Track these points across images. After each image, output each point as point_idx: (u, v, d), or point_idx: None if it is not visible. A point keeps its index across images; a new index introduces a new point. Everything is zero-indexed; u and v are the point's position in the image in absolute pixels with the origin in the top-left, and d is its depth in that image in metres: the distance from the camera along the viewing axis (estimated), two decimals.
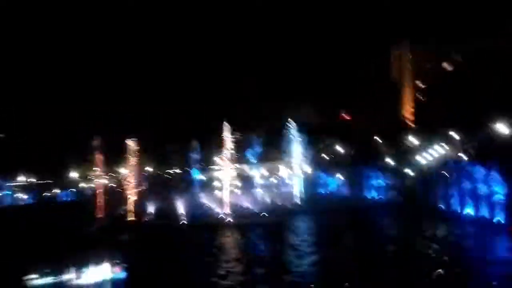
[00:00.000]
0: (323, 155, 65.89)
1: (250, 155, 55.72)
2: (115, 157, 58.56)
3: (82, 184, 69.43)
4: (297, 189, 41.63)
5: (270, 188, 53.73)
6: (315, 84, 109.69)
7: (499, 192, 22.52)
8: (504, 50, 67.78)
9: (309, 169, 54.89)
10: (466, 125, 51.90)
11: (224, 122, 38.09)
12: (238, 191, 51.53)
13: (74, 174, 75.12)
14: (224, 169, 58.44)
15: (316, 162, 59.41)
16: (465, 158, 44.29)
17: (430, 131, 60.36)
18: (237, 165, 66.09)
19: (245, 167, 64.83)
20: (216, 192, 52.75)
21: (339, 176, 46.47)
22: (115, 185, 64.33)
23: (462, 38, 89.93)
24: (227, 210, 35.08)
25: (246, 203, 39.29)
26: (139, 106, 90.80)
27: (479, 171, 24.64)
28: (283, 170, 61.71)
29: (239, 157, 63.73)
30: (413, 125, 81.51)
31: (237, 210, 35.46)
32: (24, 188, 73.09)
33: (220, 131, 42.27)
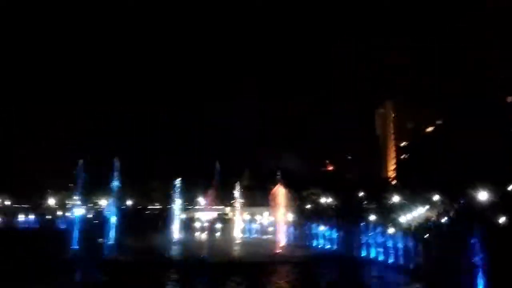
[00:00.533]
0: (308, 205, 66.24)
1: (233, 198, 55.61)
2: (96, 186, 57.71)
3: (59, 212, 67.53)
4: (279, 237, 41.38)
5: (250, 234, 53.20)
6: (302, 135, 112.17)
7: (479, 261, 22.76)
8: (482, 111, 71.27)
9: (292, 218, 54.86)
10: (447, 187, 53.27)
11: (216, 164, 38.35)
12: (218, 234, 50.96)
13: (51, 201, 73.29)
14: (205, 210, 58.31)
15: (300, 211, 59.57)
16: (444, 220, 45.11)
17: (412, 190, 61.67)
18: (219, 207, 66.04)
19: (227, 209, 64.59)
20: (196, 233, 52.02)
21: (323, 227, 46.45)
22: (92, 216, 62.81)
23: (445, 98, 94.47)
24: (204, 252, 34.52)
25: (224, 247, 38.75)
26: (124, 137, 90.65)
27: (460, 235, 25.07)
28: (265, 217, 61.53)
29: (223, 199, 63.79)
30: (394, 183, 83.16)
31: (214, 253, 34.87)
32: None
33: (208, 171, 42.48)
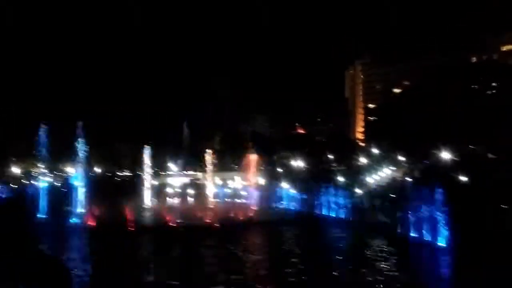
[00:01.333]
0: (278, 168, 66.94)
1: (204, 162, 55.32)
2: (62, 152, 55.85)
3: (24, 181, 65.36)
4: (251, 201, 41.88)
5: (223, 198, 53.57)
6: (273, 97, 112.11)
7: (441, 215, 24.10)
8: (454, 68, 73.02)
9: (263, 181, 55.49)
10: (413, 147, 55.05)
11: (184, 126, 37.40)
12: (190, 199, 51.01)
13: (16, 169, 70.64)
14: (177, 176, 57.89)
15: (270, 175, 60.20)
16: (409, 179, 46.95)
17: (379, 151, 63.39)
18: (191, 172, 65.75)
19: (199, 175, 64.34)
20: (168, 199, 51.84)
21: (292, 190, 47.38)
22: (60, 185, 61.22)
23: (412, 57, 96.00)
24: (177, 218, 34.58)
25: (198, 212, 38.90)
26: (95, 102, 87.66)
27: (424, 193, 26.31)
28: (237, 181, 61.92)
29: (193, 164, 63.41)
30: (363, 144, 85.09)
31: (187, 218, 35.00)
32: None
33: (177, 135, 41.63)
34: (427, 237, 24.74)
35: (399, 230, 26.50)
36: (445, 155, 47.00)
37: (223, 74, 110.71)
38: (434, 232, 24.14)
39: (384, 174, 54.38)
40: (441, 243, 23.50)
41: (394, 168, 54.63)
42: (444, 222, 23.84)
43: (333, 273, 18.62)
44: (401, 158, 56.79)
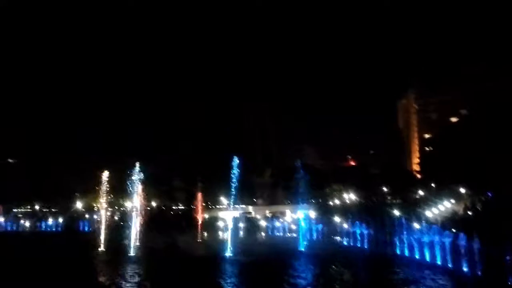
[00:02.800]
0: (330, 202, 65.73)
1: (255, 196, 55.72)
2: (120, 188, 58.84)
3: (87, 215, 69.28)
4: (302, 235, 41.20)
5: (273, 232, 53.22)
6: (324, 130, 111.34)
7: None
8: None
9: (313, 215, 54.62)
10: (473, 180, 51.88)
11: (234, 159, 38.20)
12: (241, 233, 51.16)
13: (78, 204, 75.24)
14: (228, 209, 58.35)
15: (321, 208, 59.19)
16: (470, 213, 43.97)
17: (437, 183, 60.37)
18: (242, 206, 66.29)
19: (250, 208, 64.74)
20: (219, 232, 52.37)
21: (345, 224, 46.02)
22: (118, 218, 64.10)
23: (467, 83, 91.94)
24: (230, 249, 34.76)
25: (249, 246, 38.89)
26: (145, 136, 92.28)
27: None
28: (288, 214, 61.43)
29: (246, 197, 64.03)
30: (419, 176, 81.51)
31: (240, 251, 35.08)
32: (28, 214, 73.00)
33: (227, 169, 42.46)
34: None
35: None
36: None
37: (274, 106, 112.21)
38: None
39: (443, 207, 51.50)
40: None
41: (453, 201, 51.65)
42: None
43: None
44: (462, 190, 53.72)
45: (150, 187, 59.51)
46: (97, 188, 46.10)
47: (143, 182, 43.90)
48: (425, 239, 28.62)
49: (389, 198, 62.61)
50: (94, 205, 68.94)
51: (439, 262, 26.65)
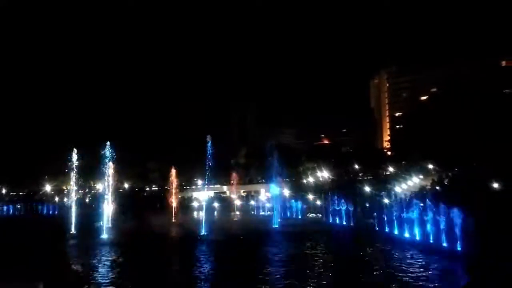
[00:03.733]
0: (303, 179, 66.47)
1: (230, 176, 55.69)
2: (91, 169, 57.52)
3: (56, 198, 67.56)
4: (274, 213, 41.63)
5: (247, 211, 53.60)
6: (297, 108, 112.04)
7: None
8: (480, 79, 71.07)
9: (287, 193, 55.21)
10: (441, 156, 53.50)
11: (208, 138, 37.88)
12: (216, 212, 51.24)
13: (47, 187, 73.15)
14: (202, 190, 58.18)
15: (295, 186, 59.87)
16: (438, 188, 45.46)
17: (406, 160, 61.94)
18: (216, 186, 66.22)
19: (224, 188, 64.77)
20: (194, 212, 52.30)
21: (312, 200, 46.82)
22: (89, 201, 62.93)
23: (439, 66, 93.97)
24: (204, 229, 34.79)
25: (223, 225, 39.02)
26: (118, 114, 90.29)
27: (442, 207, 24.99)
28: (262, 193, 61.87)
29: (219, 178, 63.89)
30: (389, 153, 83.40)
31: (213, 231, 35.14)
32: None
33: (202, 149, 42.10)
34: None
35: None
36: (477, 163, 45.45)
37: (248, 88, 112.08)
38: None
39: (412, 183, 53.02)
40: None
41: (422, 177, 53.23)
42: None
43: None
44: (430, 166, 55.34)
45: (123, 169, 58.51)
46: (66, 170, 44.88)
47: (115, 163, 43.02)
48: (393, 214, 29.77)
49: (360, 175, 63.89)
50: (64, 188, 67.28)
51: (407, 235, 27.67)
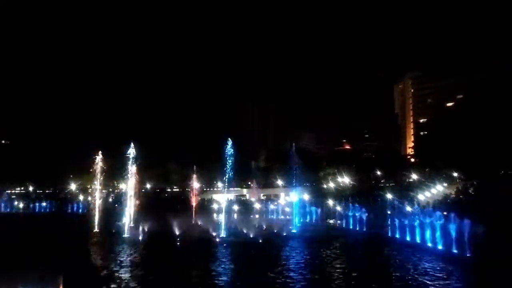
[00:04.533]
0: (324, 185, 66.01)
1: (250, 180, 55.89)
2: (115, 170, 58.65)
3: (81, 197, 69.28)
4: (293, 218, 41.56)
5: (267, 215, 53.57)
6: (319, 114, 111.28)
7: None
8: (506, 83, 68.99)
9: (307, 198, 54.92)
10: (466, 164, 52.18)
11: (228, 141, 38.26)
12: (235, 215, 51.41)
13: (72, 186, 75.11)
14: (223, 192, 58.56)
15: (315, 191, 59.48)
16: (462, 197, 44.39)
17: (430, 167, 60.67)
18: (236, 188, 66.55)
19: (244, 191, 64.96)
20: (213, 214, 52.62)
21: (332, 206, 46.38)
22: (112, 200, 64.21)
23: (463, 71, 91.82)
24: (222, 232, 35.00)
25: (243, 227, 39.11)
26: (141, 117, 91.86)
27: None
28: (282, 197, 61.74)
29: (239, 181, 64.22)
30: (413, 160, 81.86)
31: (232, 233, 35.36)
32: (21, 196, 72.94)
33: (222, 152, 42.55)
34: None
35: None
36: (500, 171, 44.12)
37: (270, 91, 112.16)
38: None
39: (436, 190, 51.92)
40: None
41: (446, 185, 52.06)
42: None
43: None
44: (454, 174, 54.09)
45: (145, 169, 59.51)
46: (91, 170, 45.99)
47: (138, 163, 43.85)
48: (416, 222, 29.15)
49: (382, 181, 62.94)
50: (88, 186, 68.90)
51: (429, 244, 27.09)
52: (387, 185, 59.15)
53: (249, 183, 59.60)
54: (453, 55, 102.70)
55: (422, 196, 49.93)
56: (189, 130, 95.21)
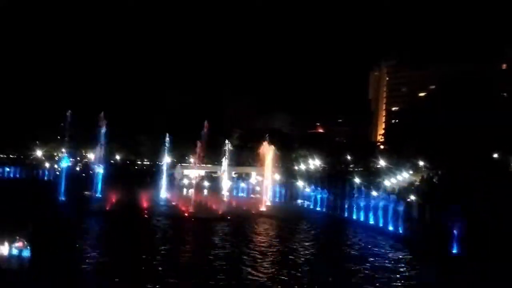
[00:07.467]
0: (295, 166, 66.77)
1: (222, 157, 55.64)
2: (84, 139, 57.12)
3: (47, 164, 67.32)
4: (265, 196, 42.04)
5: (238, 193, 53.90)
6: (294, 95, 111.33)
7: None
8: (479, 75, 70.96)
9: (279, 178, 55.50)
10: (433, 154, 53.83)
11: (205, 123, 38.18)
12: (205, 191, 51.46)
13: (39, 152, 72.77)
14: (194, 168, 58.36)
15: (287, 172, 60.17)
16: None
17: (398, 154, 62.26)
18: (208, 165, 66.33)
19: (216, 168, 64.81)
20: (183, 189, 52.44)
21: (302, 187, 47.19)
22: (80, 169, 62.82)
23: (438, 63, 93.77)
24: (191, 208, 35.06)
25: (211, 204, 39.25)
26: (115, 87, 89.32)
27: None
28: (253, 176, 62.13)
29: (211, 157, 63.98)
30: (382, 146, 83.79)
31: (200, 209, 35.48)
32: None
33: (197, 130, 42.31)
34: None
35: None
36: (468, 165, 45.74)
37: (245, 71, 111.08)
38: None
39: (402, 177, 53.50)
40: None
41: (412, 173, 53.70)
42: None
43: None
44: (421, 162, 55.75)
45: (115, 140, 58.31)
46: (58, 137, 44.65)
47: (107, 133, 42.89)
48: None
49: (351, 166, 64.27)
50: (55, 154, 67.07)
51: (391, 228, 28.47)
52: (356, 169, 60.46)
53: (221, 160, 59.43)
54: (429, 47, 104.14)
55: (388, 182, 51.40)
56: (161, 103, 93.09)
